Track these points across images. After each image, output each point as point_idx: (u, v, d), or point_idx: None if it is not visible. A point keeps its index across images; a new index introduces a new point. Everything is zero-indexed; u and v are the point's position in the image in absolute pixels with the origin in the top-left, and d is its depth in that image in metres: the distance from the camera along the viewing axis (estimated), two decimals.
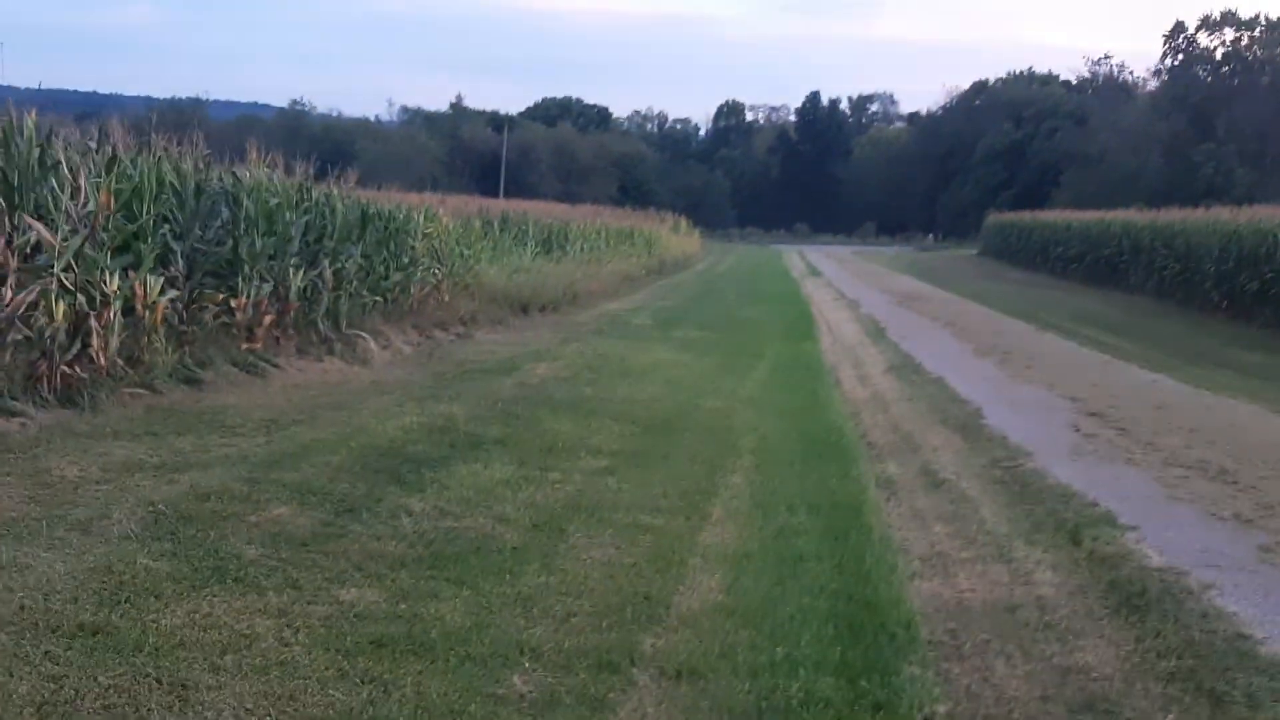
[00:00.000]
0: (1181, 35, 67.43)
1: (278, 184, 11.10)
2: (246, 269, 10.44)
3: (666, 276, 35.19)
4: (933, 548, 5.91)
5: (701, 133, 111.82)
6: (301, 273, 11.34)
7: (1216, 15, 65.75)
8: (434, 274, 15.64)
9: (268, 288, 10.86)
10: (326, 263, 12.09)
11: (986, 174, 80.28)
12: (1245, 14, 64.79)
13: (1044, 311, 24.75)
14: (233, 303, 10.25)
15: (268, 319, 10.83)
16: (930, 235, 76.26)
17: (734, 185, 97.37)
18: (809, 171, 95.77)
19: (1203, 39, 66.32)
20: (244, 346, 10.37)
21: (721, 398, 10.90)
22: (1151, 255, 30.15)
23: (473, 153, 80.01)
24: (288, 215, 11.25)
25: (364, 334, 12.02)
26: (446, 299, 16.17)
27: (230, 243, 10.38)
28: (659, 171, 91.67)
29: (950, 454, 8.42)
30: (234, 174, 10.78)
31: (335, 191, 12.43)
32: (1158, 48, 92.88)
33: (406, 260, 14.73)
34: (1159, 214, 32.04)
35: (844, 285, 32.95)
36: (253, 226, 10.57)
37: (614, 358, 13.19)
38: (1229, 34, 66.03)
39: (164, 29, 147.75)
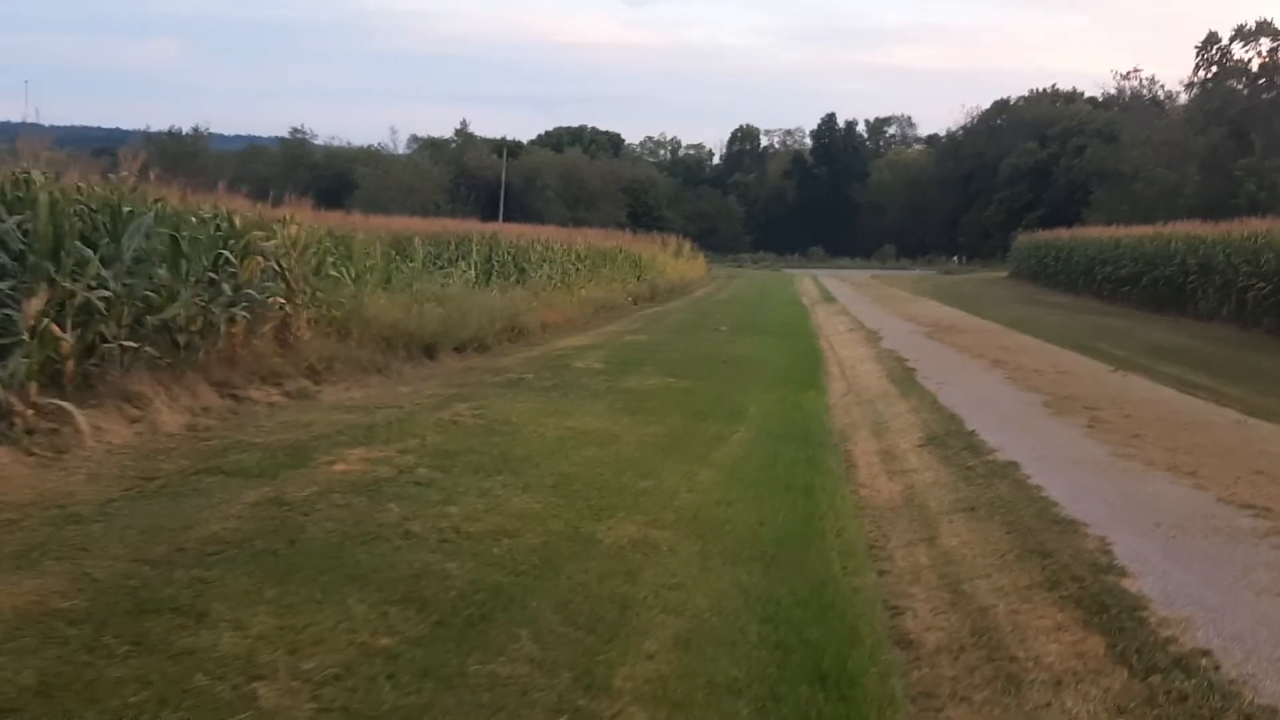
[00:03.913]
0: (1215, 46, 63.23)
1: None
2: None
3: (657, 304, 30.58)
4: None
5: (715, 158, 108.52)
6: None
7: (1251, 25, 61.47)
8: (274, 304, 11.03)
9: None
10: (26, 289, 7.51)
11: (1011, 194, 76.74)
12: None
13: (1106, 343, 19.97)
14: None
15: None
16: (955, 257, 71.68)
17: (748, 210, 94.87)
18: (825, 195, 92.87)
19: (1237, 50, 62.09)
20: None
21: (643, 514, 6.19)
22: (1228, 274, 25.34)
23: (478, 179, 77.26)
24: None
25: (69, 406, 7.37)
26: (305, 337, 11.59)
27: None
28: (670, 197, 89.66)
29: (1101, 709, 3.68)
30: None
31: (38, 177, 7.78)
32: (1181, 62, 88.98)
33: (224, 285, 10.14)
34: (1235, 226, 27.15)
35: (861, 313, 28.19)
36: None
37: (503, 430, 8.52)
38: (1265, 44, 61.73)
39: (182, 66, 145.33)
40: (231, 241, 10.47)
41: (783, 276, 56.18)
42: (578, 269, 28.31)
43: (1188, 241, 28.98)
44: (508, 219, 51.12)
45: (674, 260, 46.53)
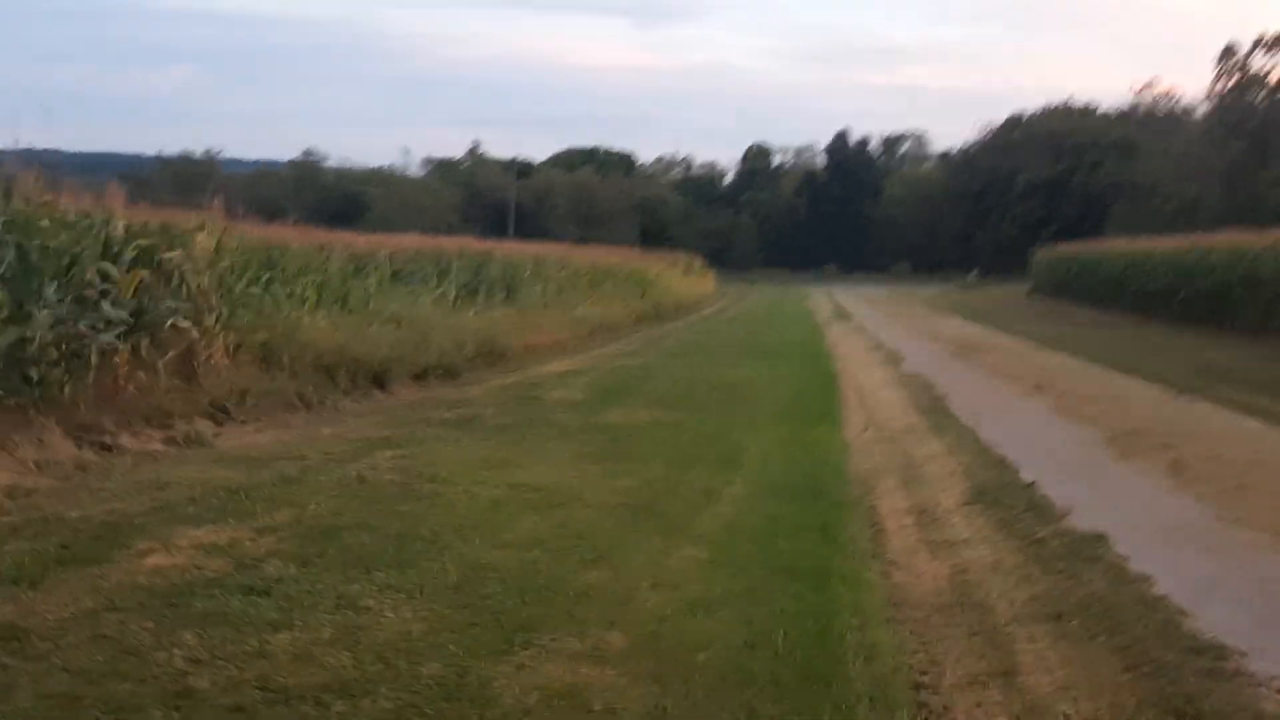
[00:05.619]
0: (1234, 58, 61.38)
1: None
2: None
3: (661, 324, 28.66)
4: None
5: (728, 176, 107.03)
6: None
7: (1270, 36, 59.53)
8: (178, 327, 9.10)
9: None
10: None
11: (1026, 209, 75.30)
12: None
13: (1151, 363, 17.88)
14: None
15: None
16: (974, 272, 69.65)
17: (760, 227, 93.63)
18: (838, 211, 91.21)
19: (1256, 62, 60.14)
20: None
21: (578, 634, 4.20)
22: (1278, 287, 23.27)
23: (489, 199, 76.50)
24: None
25: None
26: (219, 367, 9.66)
27: None
28: (683, 215, 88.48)
29: None
30: None
31: None
32: (1199, 75, 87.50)
33: (105, 306, 8.24)
34: None
35: (879, 331, 26.16)
36: None
37: (423, 491, 6.55)
38: None
39: (199, 92, 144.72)
40: (124, 253, 8.59)
41: (796, 293, 54.21)
42: (574, 286, 26.42)
43: (1232, 252, 26.90)
44: (519, 238, 49.64)
45: (681, 277, 44.75)
